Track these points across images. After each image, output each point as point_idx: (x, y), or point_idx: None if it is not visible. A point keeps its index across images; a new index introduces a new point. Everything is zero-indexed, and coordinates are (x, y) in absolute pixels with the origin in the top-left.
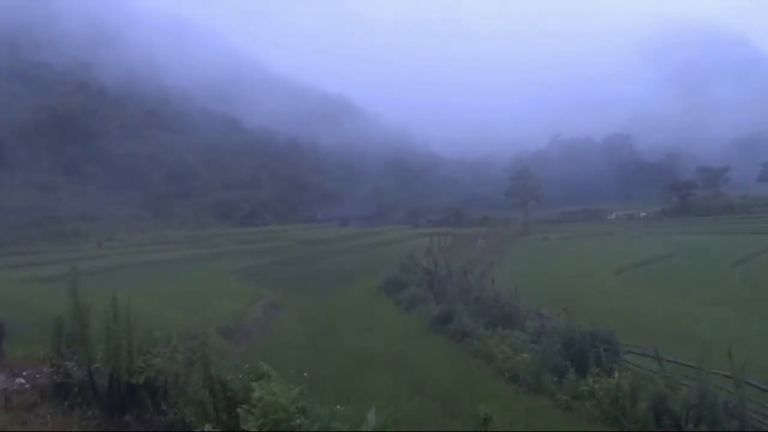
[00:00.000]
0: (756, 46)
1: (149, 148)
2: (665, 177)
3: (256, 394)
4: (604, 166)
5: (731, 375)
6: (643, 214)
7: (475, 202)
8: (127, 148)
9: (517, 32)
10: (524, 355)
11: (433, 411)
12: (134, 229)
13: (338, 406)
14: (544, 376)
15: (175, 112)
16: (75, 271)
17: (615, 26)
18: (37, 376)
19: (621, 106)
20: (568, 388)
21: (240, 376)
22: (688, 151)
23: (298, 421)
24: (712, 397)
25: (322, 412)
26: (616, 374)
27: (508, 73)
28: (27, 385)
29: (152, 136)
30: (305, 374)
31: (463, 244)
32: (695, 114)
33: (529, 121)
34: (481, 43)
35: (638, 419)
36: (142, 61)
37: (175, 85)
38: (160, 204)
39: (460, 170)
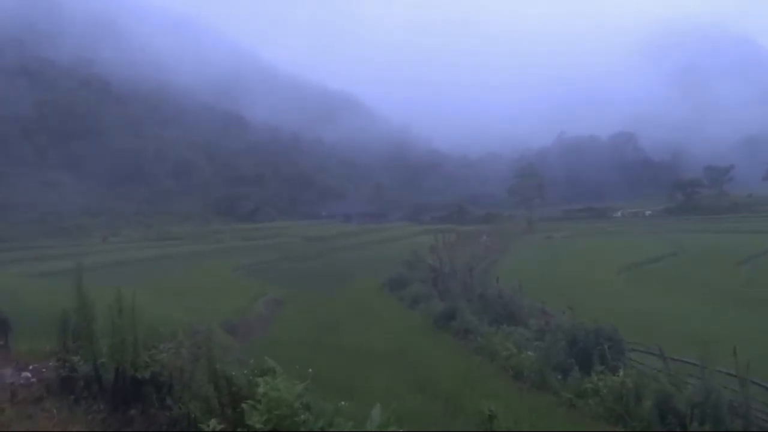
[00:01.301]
0: (760, 44)
1: (153, 143)
2: (670, 175)
3: (260, 390)
4: (610, 164)
5: (736, 374)
6: (648, 212)
7: (478, 199)
8: (131, 143)
9: (521, 32)
10: (528, 352)
11: (436, 408)
12: (138, 225)
13: (342, 402)
14: (548, 373)
15: (178, 108)
16: (80, 266)
17: (618, 26)
18: (43, 370)
19: (624, 105)
20: (573, 386)
21: (245, 372)
22: (693, 149)
23: (302, 417)
24: (716, 396)
25: (326, 408)
26: (621, 372)
27: (510, 71)
28: (33, 379)
29: (155, 132)
30: (310, 370)
31: (467, 242)
32: (699, 113)
33: (531, 119)
34: (484, 42)
35: (643, 418)
36: (144, 58)
37: (178, 81)
38: (163, 200)
39: (463, 168)
